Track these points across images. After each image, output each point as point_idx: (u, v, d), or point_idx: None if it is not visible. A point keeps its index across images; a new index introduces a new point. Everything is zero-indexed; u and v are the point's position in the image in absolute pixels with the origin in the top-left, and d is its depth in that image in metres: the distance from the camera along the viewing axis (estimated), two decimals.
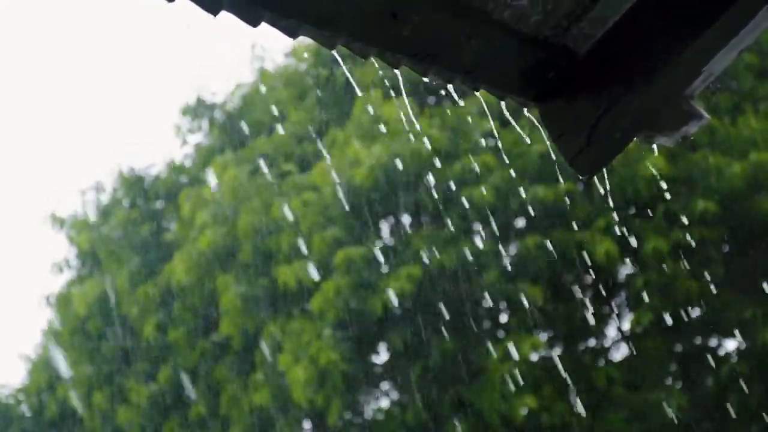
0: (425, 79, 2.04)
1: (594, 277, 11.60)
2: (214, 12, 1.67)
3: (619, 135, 2.19)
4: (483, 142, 11.47)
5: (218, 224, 12.23)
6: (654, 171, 10.64)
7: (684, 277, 10.70)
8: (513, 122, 10.46)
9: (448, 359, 10.94)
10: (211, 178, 12.99)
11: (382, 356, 12.02)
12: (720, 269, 11.01)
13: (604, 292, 11.78)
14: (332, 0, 1.77)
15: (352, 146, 11.40)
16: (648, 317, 10.88)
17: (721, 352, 11.79)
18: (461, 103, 11.38)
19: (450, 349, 10.92)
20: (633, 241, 10.91)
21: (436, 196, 11.11)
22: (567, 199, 10.83)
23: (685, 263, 10.74)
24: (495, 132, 11.48)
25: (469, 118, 11.35)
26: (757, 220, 10.91)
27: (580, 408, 11.11)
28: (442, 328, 10.85)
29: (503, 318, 11.70)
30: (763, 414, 10.79)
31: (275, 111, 13.37)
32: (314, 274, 10.97)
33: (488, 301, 11.53)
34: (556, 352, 11.59)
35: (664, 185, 10.89)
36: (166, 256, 13.32)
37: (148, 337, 13.01)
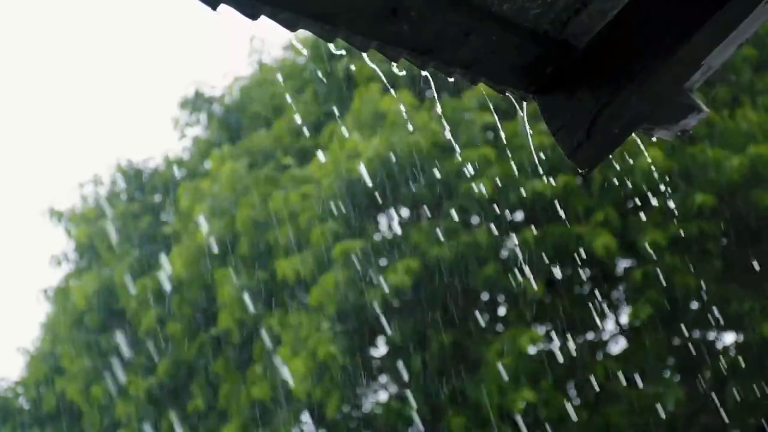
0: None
1: (592, 270, 11.61)
2: (214, 5, 1.67)
3: (618, 128, 2.19)
4: (483, 134, 11.46)
5: (217, 217, 12.24)
6: (652, 164, 10.63)
7: (682, 270, 10.71)
8: (514, 114, 10.46)
9: (446, 352, 10.95)
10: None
11: (380, 349, 12.03)
12: (718, 263, 11.01)
13: (602, 286, 11.78)
14: None
15: (352, 139, 11.40)
16: (646, 310, 10.89)
17: (720, 346, 11.81)
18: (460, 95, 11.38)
19: (448, 342, 10.93)
20: (631, 235, 10.92)
21: (434, 188, 11.11)
22: (565, 193, 10.83)
23: (684, 257, 10.74)
24: (495, 124, 11.47)
25: (469, 111, 11.34)
26: (755, 213, 10.92)
27: (578, 401, 11.13)
28: (441, 322, 10.86)
29: (501, 311, 11.71)
30: (761, 407, 10.80)
31: (273, 104, 13.37)
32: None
33: (486, 295, 11.55)
34: (555, 346, 11.60)
35: (662, 178, 10.89)
36: (164, 249, 13.32)
37: (147, 331, 13.02)
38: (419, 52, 1.95)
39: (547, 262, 10.82)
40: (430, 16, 1.91)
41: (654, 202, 10.93)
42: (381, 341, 11.87)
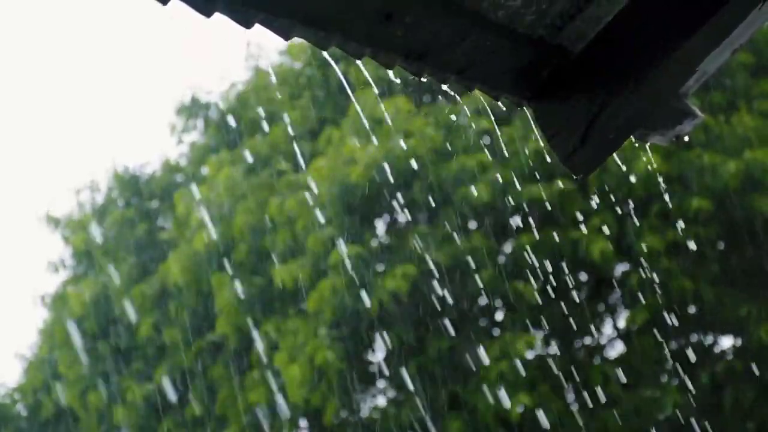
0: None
1: (589, 275, 11.60)
2: (208, 14, 1.67)
3: (613, 134, 2.19)
4: (479, 140, 11.46)
5: (214, 223, 12.23)
6: (648, 169, 10.64)
7: (679, 275, 10.71)
8: (511, 119, 10.46)
9: (444, 357, 10.94)
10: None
11: (378, 355, 12.01)
12: (715, 267, 11.01)
13: (599, 290, 11.78)
14: (326, 1, 1.77)
15: (348, 145, 11.39)
16: (643, 315, 10.89)
17: (717, 350, 11.81)
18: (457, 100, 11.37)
19: (446, 347, 10.92)
20: (628, 240, 10.91)
21: (431, 194, 11.10)
22: (561, 198, 10.82)
23: (680, 261, 10.74)
24: (491, 130, 11.47)
25: (467, 116, 11.34)
26: (751, 218, 10.92)
27: (575, 406, 11.12)
28: (438, 327, 10.85)
29: (499, 316, 11.70)
30: (758, 411, 10.80)
31: (270, 110, 13.36)
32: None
33: (483, 299, 11.53)
34: (552, 350, 11.59)
35: (658, 183, 10.89)
36: (161, 255, 13.31)
37: (145, 337, 13.01)
38: (414, 57, 1.95)
39: (543, 267, 10.82)
40: (425, 22, 1.91)
41: (650, 206, 10.93)
42: (379, 346, 11.85)
